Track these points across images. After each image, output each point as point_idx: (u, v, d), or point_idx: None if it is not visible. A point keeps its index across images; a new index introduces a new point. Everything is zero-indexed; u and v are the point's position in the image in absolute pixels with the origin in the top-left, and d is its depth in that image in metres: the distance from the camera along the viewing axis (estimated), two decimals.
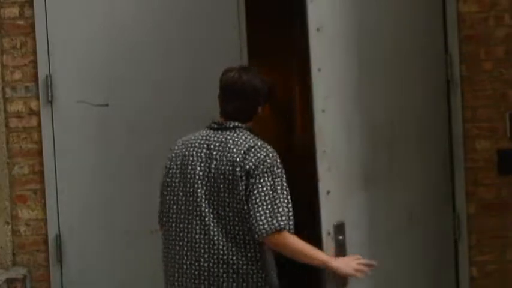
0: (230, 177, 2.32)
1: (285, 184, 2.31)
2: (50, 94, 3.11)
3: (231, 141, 2.37)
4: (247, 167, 2.30)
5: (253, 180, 2.29)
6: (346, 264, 2.25)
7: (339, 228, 2.31)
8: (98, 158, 3.13)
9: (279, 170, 2.32)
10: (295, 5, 2.99)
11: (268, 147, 2.36)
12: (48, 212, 3.13)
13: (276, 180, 2.29)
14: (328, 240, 2.27)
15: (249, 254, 2.33)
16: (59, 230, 3.12)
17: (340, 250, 2.29)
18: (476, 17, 3.08)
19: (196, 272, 2.36)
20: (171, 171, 2.44)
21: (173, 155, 2.46)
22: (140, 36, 3.13)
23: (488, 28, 3.08)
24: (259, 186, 2.28)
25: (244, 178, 2.30)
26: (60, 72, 3.12)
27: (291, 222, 2.26)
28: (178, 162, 2.43)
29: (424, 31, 2.90)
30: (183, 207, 2.39)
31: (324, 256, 2.25)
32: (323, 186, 2.28)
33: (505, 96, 3.09)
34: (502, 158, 3.07)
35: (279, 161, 2.34)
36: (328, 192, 2.29)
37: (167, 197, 2.44)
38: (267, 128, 5.43)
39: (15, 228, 3.14)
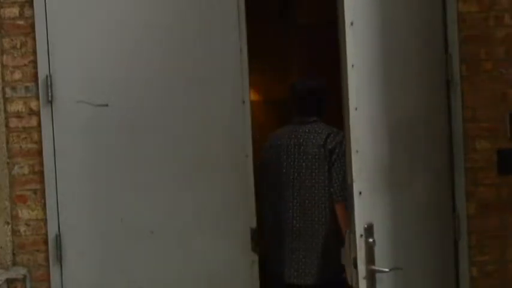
0: (317, 157, 3.29)
1: None
2: (50, 94, 3.11)
3: (313, 131, 3.35)
4: (330, 147, 3.27)
5: (335, 157, 3.25)
6: None
7: (369, 231, 2.29)
8: (98, 158, 3.13)
9: None
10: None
11: (341, 133, 3.15)
12: (48, 212, 3.12)
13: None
14: (360, 243, 2.26)
15: (323, 218, 3.29)
16: (59, 230, 3.13)
17: (370, 252, 2.27)
18: (476, 17, 3.08)
19: (290, 230, 3.34)
20: (268, 157, 3.46)
21: (268, 144, 3.49)
22: (140, 36, 3.13)
23: (488, 28, 3.08)
24: (339, 163, 3.22)
25: (328, 155, 3.26)
26: (60, 72, 3.12)
27: None
28: (273, 151, 3.44)
29: (423, 31, 2.90)
30: (281, 183, 3.37)
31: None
32: (356, 187, 2.26)
33: (505, 96, 3.09)
34: (502, 158, 3.07)
35: None
36: (360, 193, 2.27)
37: (266, 177, 3.44)
38: (267, 128, 5.43)
39: (15, 228, 3.14)
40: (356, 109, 2.26)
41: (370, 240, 2.28)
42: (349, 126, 2.25)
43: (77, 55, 3.13)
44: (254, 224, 3.14)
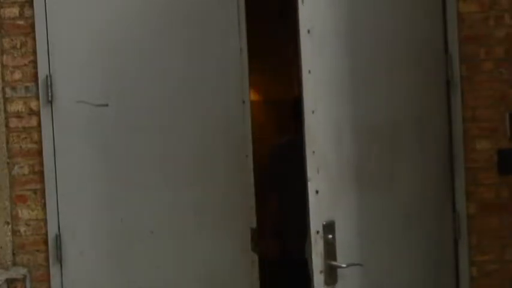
0: None
1: None
2: (50, 94, 3.12)
3: None
4: None
5: None
6: None
7: (329, 227, 2.32)
8: (97, 158, 3.13)
9: None
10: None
11: None
12: (48, 212, 3.13)
13: None
14: (317, 239, 2.29)
15: None
16: (59, 230, 3.13)
17: (329, 249, 2.31)
18: (476, 17, 3.08)
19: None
20: (277, 163, 3.76)
21: (276, 151, 3.83)
22: (140, 36, 3.13)
23: (488, 28, 3.08)
24: None
25: None
26: (60, 72, 3.12)
27: None
28: (283, 156, 3.70)
29: (424, 31, 2.90)
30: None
31: None
32: (312, 186, 2.29)
33: (505, 96, 3.09)
34: (502, 158, 3.07)
35: None
36: (317, 192, 2.31)
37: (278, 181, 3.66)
38: (267, 128, 5.43)
39: (15, 228, 3.14)
40: (313, 112, 2.31)
41: (330, 236, 2.31)
42: (305, 128, 2.30)
43: (77, 55, 3.13)
44: (254, 224, 3.14)
